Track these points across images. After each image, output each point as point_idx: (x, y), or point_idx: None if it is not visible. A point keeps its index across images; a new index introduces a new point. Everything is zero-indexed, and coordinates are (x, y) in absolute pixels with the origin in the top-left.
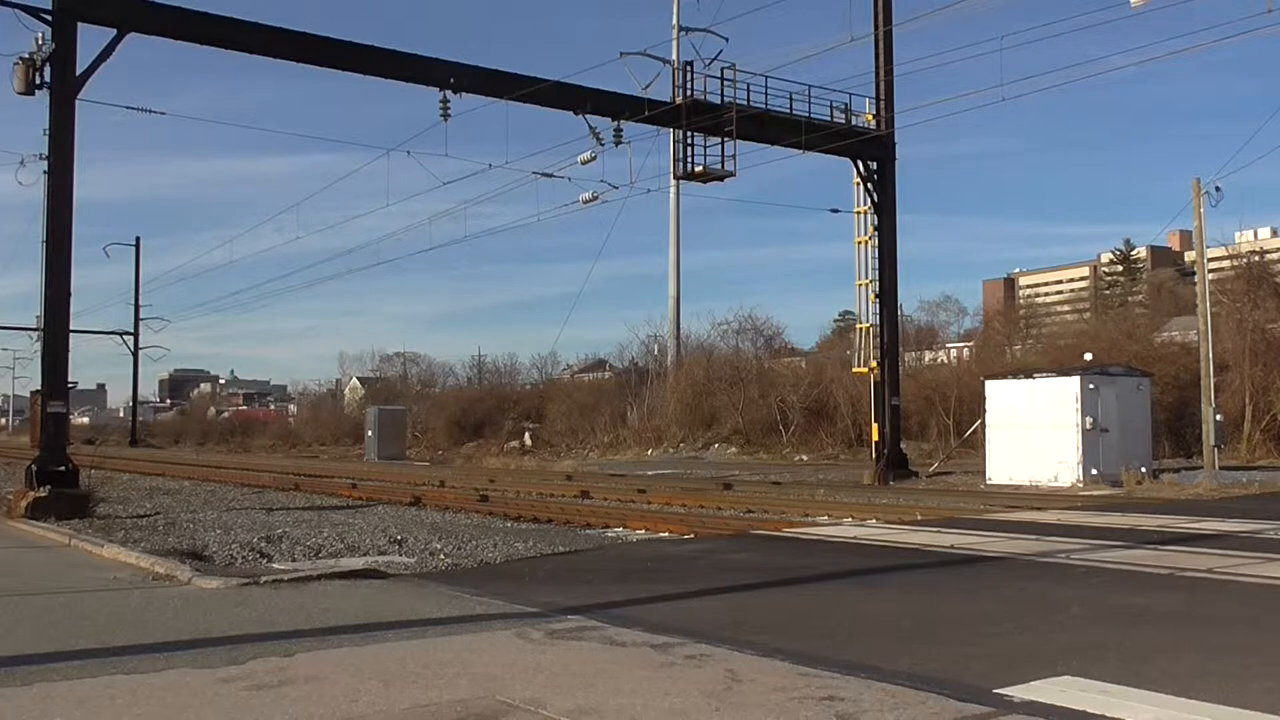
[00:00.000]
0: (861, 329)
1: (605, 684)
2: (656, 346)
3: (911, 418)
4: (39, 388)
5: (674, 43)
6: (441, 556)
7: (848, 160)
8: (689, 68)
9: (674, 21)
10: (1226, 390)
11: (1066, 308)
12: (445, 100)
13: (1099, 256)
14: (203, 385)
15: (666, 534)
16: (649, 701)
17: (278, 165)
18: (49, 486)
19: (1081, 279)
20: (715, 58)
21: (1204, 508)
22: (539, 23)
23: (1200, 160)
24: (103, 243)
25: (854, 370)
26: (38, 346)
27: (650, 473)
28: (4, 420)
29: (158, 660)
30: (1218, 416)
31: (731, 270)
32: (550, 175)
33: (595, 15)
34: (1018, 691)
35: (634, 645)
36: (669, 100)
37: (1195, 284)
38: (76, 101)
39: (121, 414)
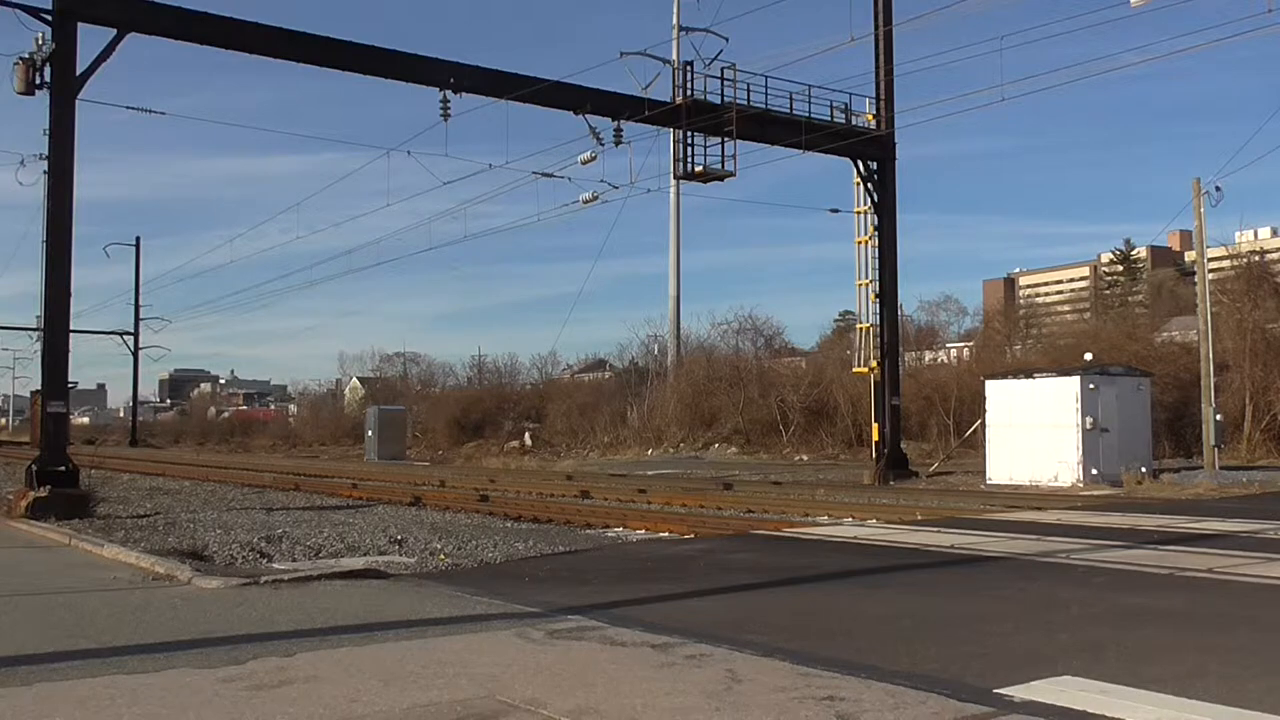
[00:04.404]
0: (861, 329)
1: (605, 684)
2: (656, 346)
3: (911, 418)
4: (39, 388)
5: (674, 43)
6: (441, 556)
7: (848, 160)
8: (689, 68)
9: (674, 21)
10: (1226, 390)
11: (1066, 308)
12: (445, 100)
13: (1099, 256)
14: (203, 385)
15: (667, 534)
16: (649, 701)
17: (278, 165)
18: (49, 486)
19: (1081, 279)
20: (715, 58)
21: (1204, 508)
22: (539, 23)
23: (1200, 160)
24: (103, 243)
25: (854, 370)
26: (38, 346)
27: (650, 473)
28: (4, 420)
29: (158, 660)
30: (1218, 416)
31: (731, 270)
32: (550, 175)
33: (595, 15)
34: (1018, 691)
35: (634, 645)
36: (669, 100)
37: (1195, 284)
38: (76, 101)
39: (121, 414)
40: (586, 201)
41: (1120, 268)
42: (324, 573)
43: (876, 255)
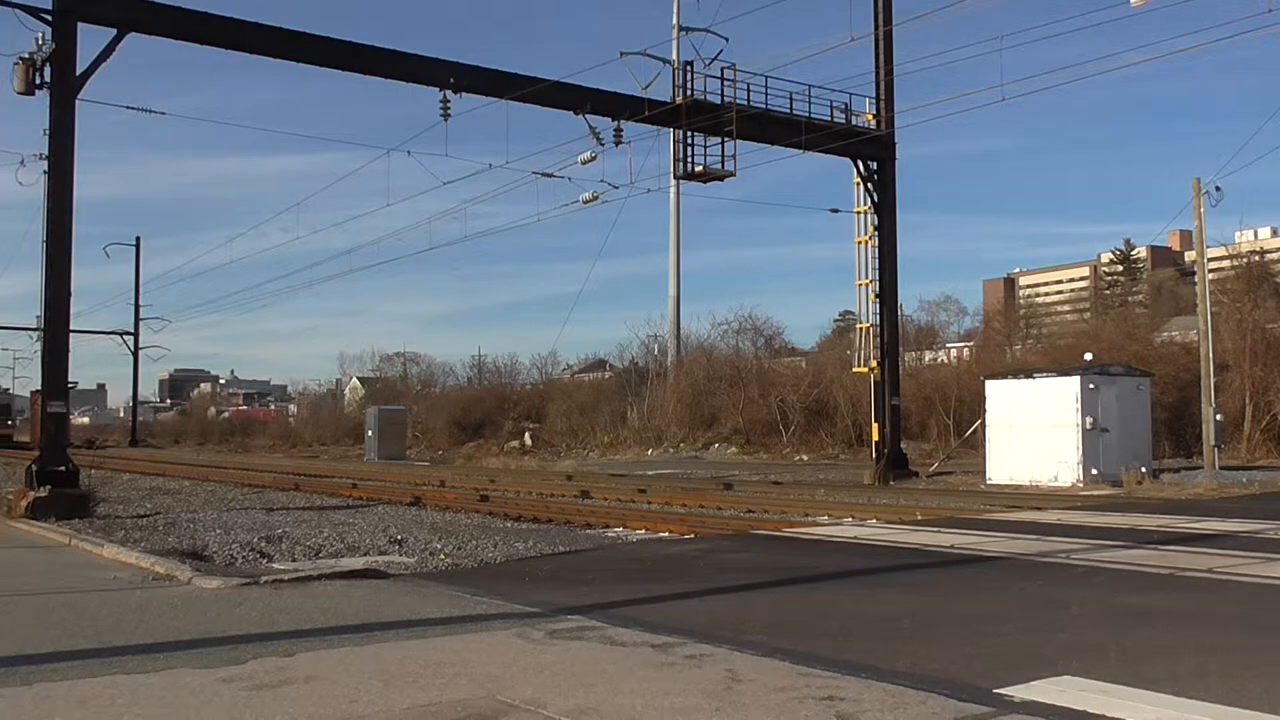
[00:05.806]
0: (861, 329)
1: (605, 684)
2: (656, 346)
3: (911, 418)
4: (39, 388)
5: (674, 43)
6: (442, 556)
7: (848, 160)
8: (689, 68)
9: (674, 21)
10: (1226, 390)
11: (1066, 308)
12: (445, 100)
13: (1099, 256)
14: (203, 385)
15: (667, 534)
16: (649, 701)
17: (278, 165)
18: (49, 486)
19: (1081, 279)
20: (715, 58)
21: (1204, 508)
22: (539, 23)
23: (1200, 160)
24: (103, 243)
25: (854, 370)
26: (38, 346)
27: (650, 473)
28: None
29: (158, 660)
30: (1218, 416)
31: (732, 270)
32: (550, 175)
33: (595, 15)
34: (1018, 691)
35: (634, 645)
36: (669, 100)
37: (1195, 284)
38: (76, 101)
39: (121, 414)
40: (586, 201)
41: (1120, 268)
42: (324, 573)
43: (876, 255)
